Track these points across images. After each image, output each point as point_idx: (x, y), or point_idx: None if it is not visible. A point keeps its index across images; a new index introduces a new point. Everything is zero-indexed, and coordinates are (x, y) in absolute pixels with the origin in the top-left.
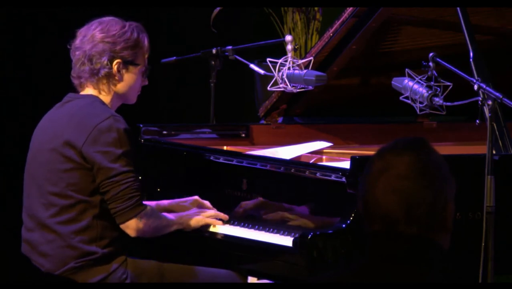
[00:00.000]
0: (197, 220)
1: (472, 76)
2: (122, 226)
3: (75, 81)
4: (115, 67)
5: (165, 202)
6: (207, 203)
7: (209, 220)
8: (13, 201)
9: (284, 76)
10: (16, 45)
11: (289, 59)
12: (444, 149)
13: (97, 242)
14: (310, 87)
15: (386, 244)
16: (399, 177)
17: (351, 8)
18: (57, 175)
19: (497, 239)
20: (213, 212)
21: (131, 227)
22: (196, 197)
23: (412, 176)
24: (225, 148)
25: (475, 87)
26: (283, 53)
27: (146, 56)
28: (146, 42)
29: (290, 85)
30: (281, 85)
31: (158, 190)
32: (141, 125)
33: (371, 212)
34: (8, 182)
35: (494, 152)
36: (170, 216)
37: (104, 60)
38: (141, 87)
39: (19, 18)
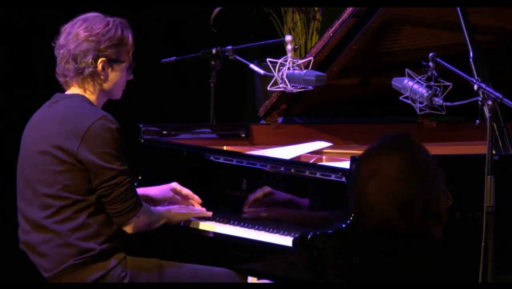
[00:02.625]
0: (184, 215)
1: (472, 76)
2: (122, 225)
3: (60, 79)
4: (99, 66)
5: (150, 192)
6: (186, 190)
7: (195, 214)
8: (11, 201)
9: (284, 76)
10: (15, 45)
11: (289, 59)
12: (444, 149)
13: (95, 239)
14: (310, 87)
15: (381, 242)
16: (390, 179)
17: (351, 8)
18: (51, 177)
19: (497, 239)
20: (198, 209)
21: (131, 226)
22: (175, 184)
23: (403, 176)
24: (225, 148)
25: (475, 87)
26: (283, 53)
27: (131, 52)
28: (130, 38)
29: (290, 85)
30: (281, 85)
31: None
32: (141, 125)
33: (365, 213)
34: (5, 182)
35: (494, 152)
36: (159, 210)
37: (89, 59)
38: (127, 82)
39: (19, 18)
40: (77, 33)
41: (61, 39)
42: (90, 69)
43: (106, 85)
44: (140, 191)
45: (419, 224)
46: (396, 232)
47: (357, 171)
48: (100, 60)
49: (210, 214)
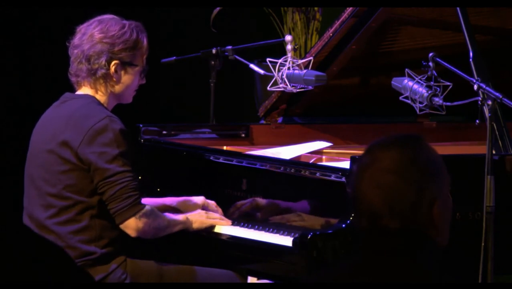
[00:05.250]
0: (201, 222)
1: (472, 76)
2: (121, 226)
3: (73, 79)
4: (112, 68)
5: (170, 200)
6: (212, 202)
7: (213, 222)
8: (15, 200)
9: (284, 76)
10: (15, 45)
11: (289, 59)
12: (444, 149)
13: (96, 242)
14: (310, 87)
15: (371, 239)
16: (384, 171)
17: (351, 8)
18: (55, 176)
19: (497, 239)
20: (218, 216)
21: (130, 226)
22: (202, 198)
23: (397, 170)
24: (225, 148)
25: (475, 87)
26: (283, 53)
27: (145, 56)
28: (145, 42)
29: (290, 85)
30: (281, 85)
31: (158, 190)
32: (141, 125)
33: (358, 208)
34: (10, 181)
35: (494, 152)
36: (172, 216)
37: (102, 61)
38: (138, 86)
39: (19, 19)
40: (92, 34)
41: (76, 39)
42: (103, 71)
43: (117, 88)
44: (159, 201)
45: (407, 222)
46: (383, 228)
47: (357, 163)
48: (113, 62)
49: (230, 222)
